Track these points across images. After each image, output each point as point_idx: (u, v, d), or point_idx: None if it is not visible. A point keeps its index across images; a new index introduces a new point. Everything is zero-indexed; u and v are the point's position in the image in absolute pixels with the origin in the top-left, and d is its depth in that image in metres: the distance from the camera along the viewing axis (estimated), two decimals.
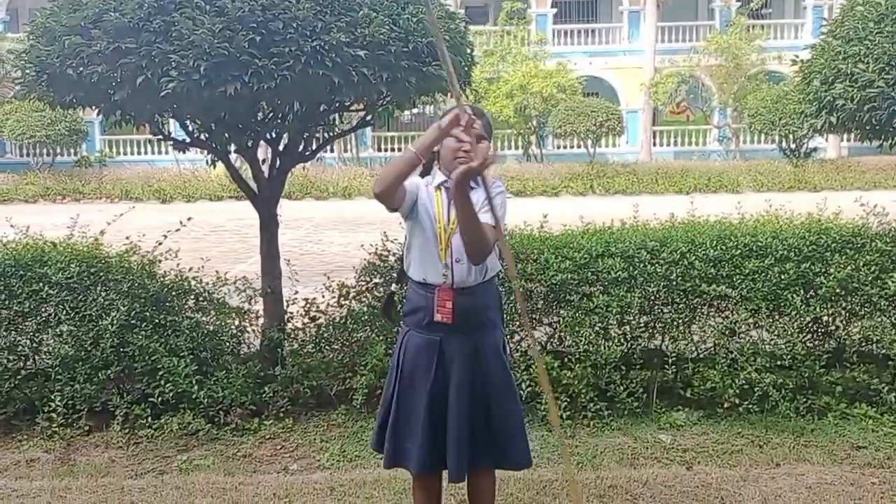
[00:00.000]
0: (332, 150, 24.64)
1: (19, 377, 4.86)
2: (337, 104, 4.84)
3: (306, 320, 5.22)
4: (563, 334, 4.97)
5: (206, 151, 5.22)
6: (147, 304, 4.82)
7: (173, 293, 5.00)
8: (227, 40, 3.85)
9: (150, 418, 4.66)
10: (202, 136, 5.03)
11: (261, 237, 5.37)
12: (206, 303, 5.09)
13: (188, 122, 4.93)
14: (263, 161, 5.25)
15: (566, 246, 4.91)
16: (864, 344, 4.98)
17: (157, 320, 4.81)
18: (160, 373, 4.65)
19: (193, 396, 4.64)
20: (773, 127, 22.64)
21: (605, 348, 4.75)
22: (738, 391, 4.65)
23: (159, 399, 4.65)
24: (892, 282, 4.75)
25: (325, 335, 5.10)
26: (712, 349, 4.89)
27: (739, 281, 4.79)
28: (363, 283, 5.13)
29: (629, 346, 4.89)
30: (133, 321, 4.74)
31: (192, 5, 3.94)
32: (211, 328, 5.02)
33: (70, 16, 4.15)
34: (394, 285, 3.34)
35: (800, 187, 20.82)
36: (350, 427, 4.72)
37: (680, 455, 4.33)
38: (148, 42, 3.93)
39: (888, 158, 21.82)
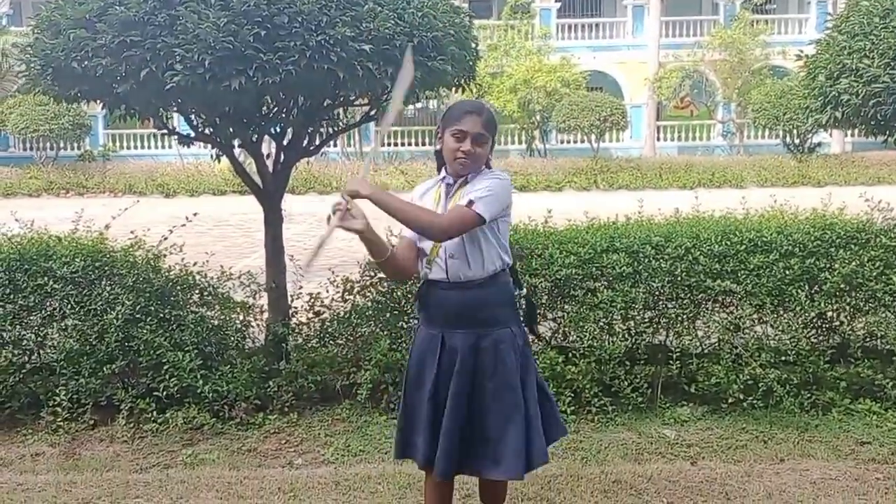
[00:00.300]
0: (335, 145, 24.63)
1: (24, 371, 4.86)
2: (341, 99, 4.83)
3: (311, 315, 5.22)
4: (567, 329, 4.97)
5: (210, 146, 5.22)
6: (152, 299, 4.82)
7: (178, 288, 5.00)
8: (231, 34, 3.84)
9: (154, 412, 4.66)
10: (206, 131, 5.03)
11: (265, 232, 5.37)
12: (210, 297, 5.09)
13: (193, 116, 4.93)
14: (268, 156, 5.25)
15: (570, 241, 4.91)
16: (868, 339, 4.98)
17: (161, 315, 4.81)
18: (165, 367, 4.66)
19: (198, 391, 4.65)
20: (777, 122, 22.61)
21: (609, 343, 4.75)
22: (742, 386, 4.65)
23: (164, 393, 4.66)
24: None
25: (330, 330, 5.11)
26: (717, 344, 4.89)
27: (744, 276, 4.79)
28: (367, 278, 5.14)
29: (633, 341, 4.88)
30: (138, 315, 4.74)
31: None
32: (216, 323, 5.02)
33: (75, 9, 4.15)
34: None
35: (804, 182, 20.80)
36: (354, 422, 4.73)
37: (684, 450, 4.33)
38: (153, 36, 3.93)
39: (893, 153, 21.78)
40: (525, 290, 3.19)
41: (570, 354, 4.77)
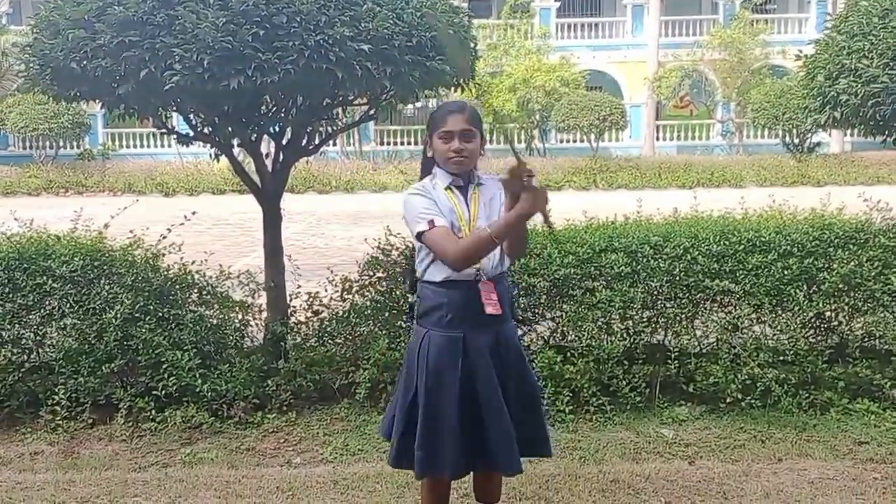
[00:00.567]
0: (334, 144, 24.61)
1: (23, 370, 4.86)
2: (340, 98, 4.83)
3: (309, 314, 5.23)
4: (565, 329, 4.97)
5: (209, 145, 5.22)
6: (151, 298, 4.82)
7: (177, 287, 5.01)
8: (230, 34, 3.85)
9: (153, 411, 4.67)
10: (206, 130, 5.03)
11: (264, 231, 5.37)
12: (209, 296, 5.09)
13: (192, 115, 4.93)
14: (267, 155, 5.25)
15: (569, 241, 4.91)
16: (866, 339, 4.98)
17: (160, 314, 4.81)
18: (164, 366, 4.66)
19: (197, 390, 4.65)
20: (776, 122, 22.63)
21: (607, 343, 4.75)
22: (740, 386, 4.65)
23: (163, 392, 4.66)
24: None
25: (328, 329, 5.11)
26: (715, 344, 4.89)
27: (742, 276, 4.79)
28: (366, 278, 5.14)
29: (632, 340, 4.89)
30: (137, 314, 4.75)
31: None
32: (214, 322, 5.02)
33: (74, 9, 4.15)
34: (410, 297, 3.14)
35: (803, 182, 20.80)
36: (353, 421, 4.73)
37: (682, 450, 4.33)
38: (152, 36, 3.93)
39: (892, 153, 21.79)
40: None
41: (569, 354, 4.78)
